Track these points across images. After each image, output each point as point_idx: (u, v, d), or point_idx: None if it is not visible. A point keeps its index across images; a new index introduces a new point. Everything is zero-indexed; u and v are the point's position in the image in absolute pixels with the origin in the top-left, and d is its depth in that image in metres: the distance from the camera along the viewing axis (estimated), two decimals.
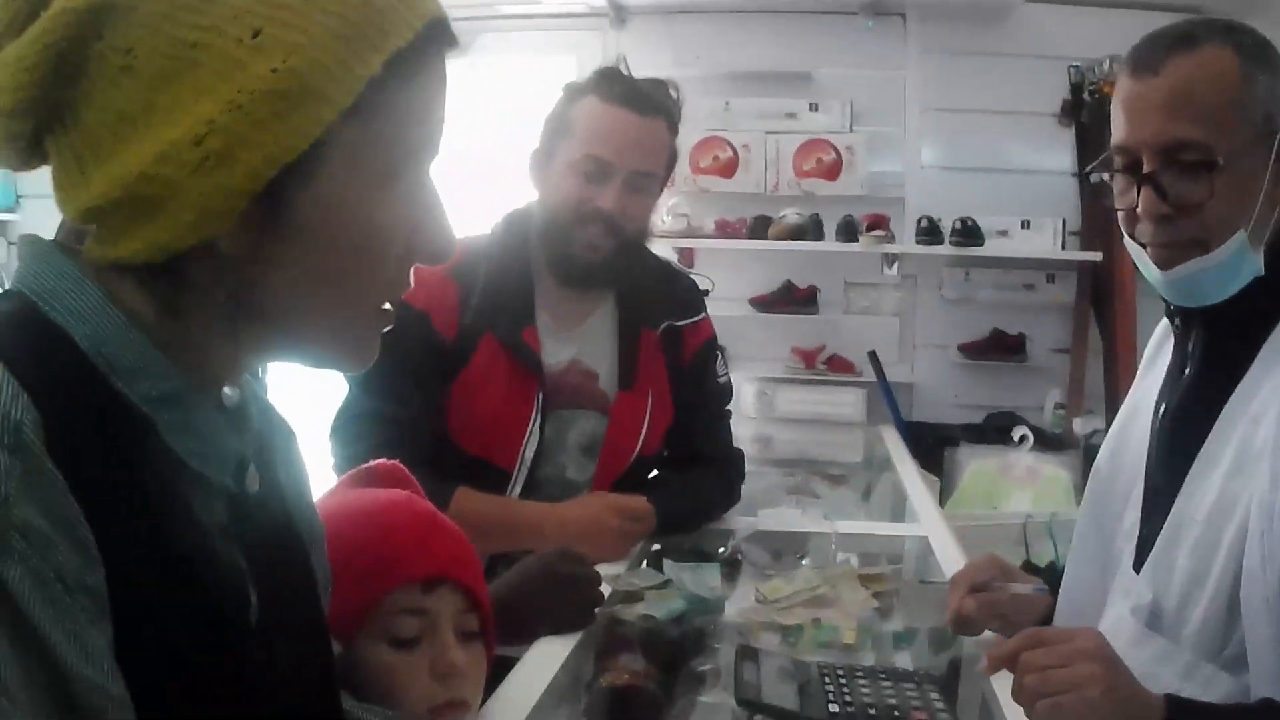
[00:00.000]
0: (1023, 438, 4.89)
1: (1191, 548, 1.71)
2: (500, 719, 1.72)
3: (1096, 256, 5.36)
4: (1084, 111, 5.46)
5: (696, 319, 2.91)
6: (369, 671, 1.52)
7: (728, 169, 5.65)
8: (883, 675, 1.90)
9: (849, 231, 5.43)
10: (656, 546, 2.74)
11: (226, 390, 1.09)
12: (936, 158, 5.72)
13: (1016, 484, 4.90)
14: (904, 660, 2.27)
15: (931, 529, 2.96)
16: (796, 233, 5.44)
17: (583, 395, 2.73)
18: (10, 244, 6.23)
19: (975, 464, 5.03)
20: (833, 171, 5.58)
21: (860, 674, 1.89)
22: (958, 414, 5.65)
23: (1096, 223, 5.37)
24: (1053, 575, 4.04)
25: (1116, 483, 1.99)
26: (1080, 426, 5.31)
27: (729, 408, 3.04)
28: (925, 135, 5.68)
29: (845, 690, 1.82)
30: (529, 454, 2.63)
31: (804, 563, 2.67)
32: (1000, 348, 5.61)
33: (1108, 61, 5.22)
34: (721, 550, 2.69)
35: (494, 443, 2.62)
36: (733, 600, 2.41)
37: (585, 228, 2.60)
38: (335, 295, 1.05)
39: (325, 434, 2.54)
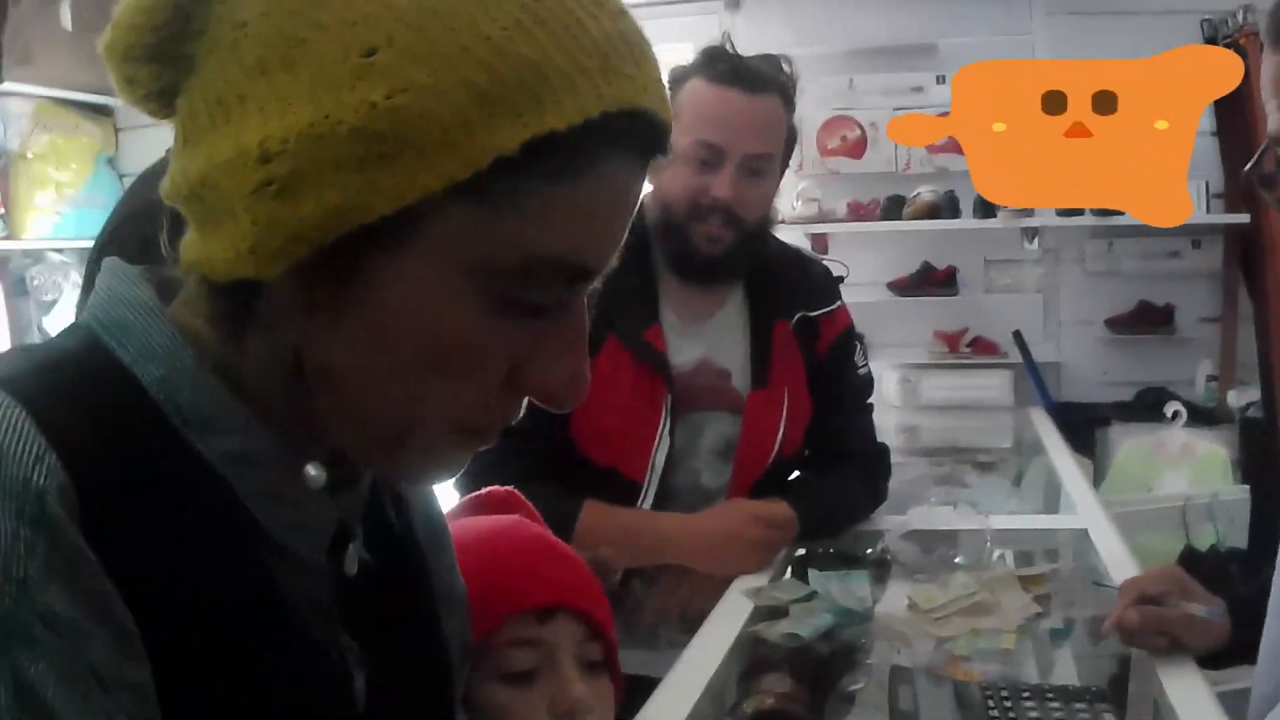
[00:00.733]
0: (1175, 414, 4.72)
1: None
2: None
3: (1244, 219, 5.12)
4: None
5: (832, 308, 2.75)
6: (484, 713, 1.38)
7: (856, 149, 5.52)
8: (1050, 694, 1.78)
9: (986, 207, 5.24)
10: (801, 552, 2.61)
11: (310, 470, 0.91)
12: None
13: (1171, 463, 4.74)
14: (1064, 658, 2.16)
15: (1090, 520, 2.81)
16: (932, 211, 5.28)
17: (714, 396, 2.61)
18: None
19: (1128, 444, 4.88)
20: None
21: (1026, 694, 1.78)
22: (1107, 392, 5.45)
23: (1241, 184, 5.12)
24: (1215, 558, 3.95)
25: None
26: (1234, 399, 5.11)
27: (870, 401, 2.90)
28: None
29: (1011, 714, 1.70)
30: (659, 461, 2.51)
31: (958, 561, 2.54)
32: (1148, 320, 5.40)
33: (1241, 12, 4.97)
34: (869, 551, 2.56)
35: (622, 451, 2.51)
36: (883, 604, 2.30)
37: (702, 221, 2.48)
38: (398, 397, 0.86)
39: None
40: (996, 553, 2.58)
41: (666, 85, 2.23)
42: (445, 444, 0.90)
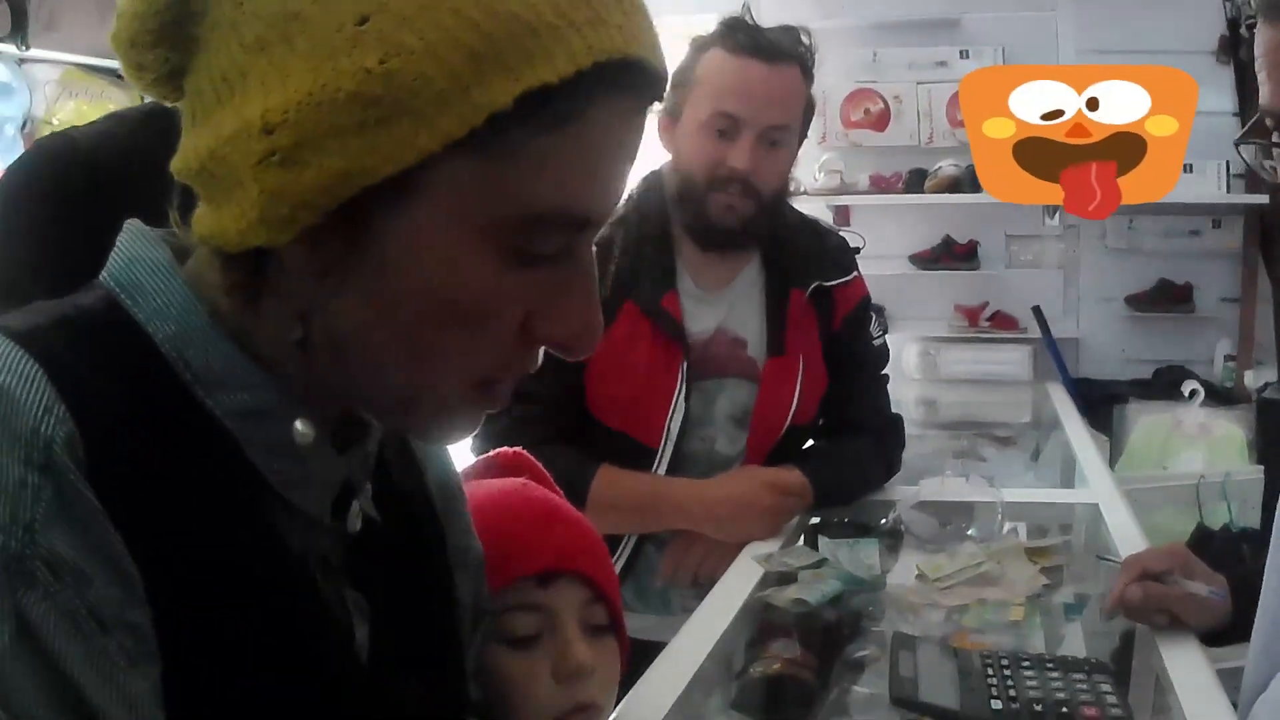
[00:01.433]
0: (1193, 392, 4.71)
1: None
2: (644, 710, 1.61)
3: (1263, 199, 5.11)
4: (1243, 48, 5.18)
5: (847, 279, 2.75)
6: (487, 678, 1.37)
7: (879, 121, 5.51)
8: (1050, 665, 1.77)
9: None
10: (814, 520, 2.63)
11: (299, 426, 0.92)
12: None
13: (1187, 441, 4.75)
14: (1073, 633, 2.17)
15: (1103, 495, 2.81)
16: (954, 185, 5.28)
17: (730, 363, 2.62)
18: None
19: (1145, 421, 4.88)
20: None
21: (1026, 663, 1.77)
22: (1125, 369, 5.46)
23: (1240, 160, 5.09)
24: (1227, 537, 3.95)
25: None
26: (1252, 380, 5.11)
27: (885, 371, 2.91)
28: None
29: (1010, 683, 1.71)
30: (674, 428, 2.53)
31: (970, 533, 2.54)
32: (1167, 298, 5.39)
33: None
34: (882, 522, 2.58)
35: (637, 417, 2.53)
36: (894, 574, 2.31)
37: (720, 191, 2.48)
38: (413, 354, 0.88)
39: None
40: (1008, 526, 2.59)
41: (687, 54, 2.23)
42: (460, 400, 0.92)
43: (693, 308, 2.59)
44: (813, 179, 5.28)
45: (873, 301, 2.86)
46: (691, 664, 1.79)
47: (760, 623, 2.05)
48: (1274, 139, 1.51)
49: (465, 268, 0.84)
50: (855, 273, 2.79)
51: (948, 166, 5.31)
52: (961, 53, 5.48)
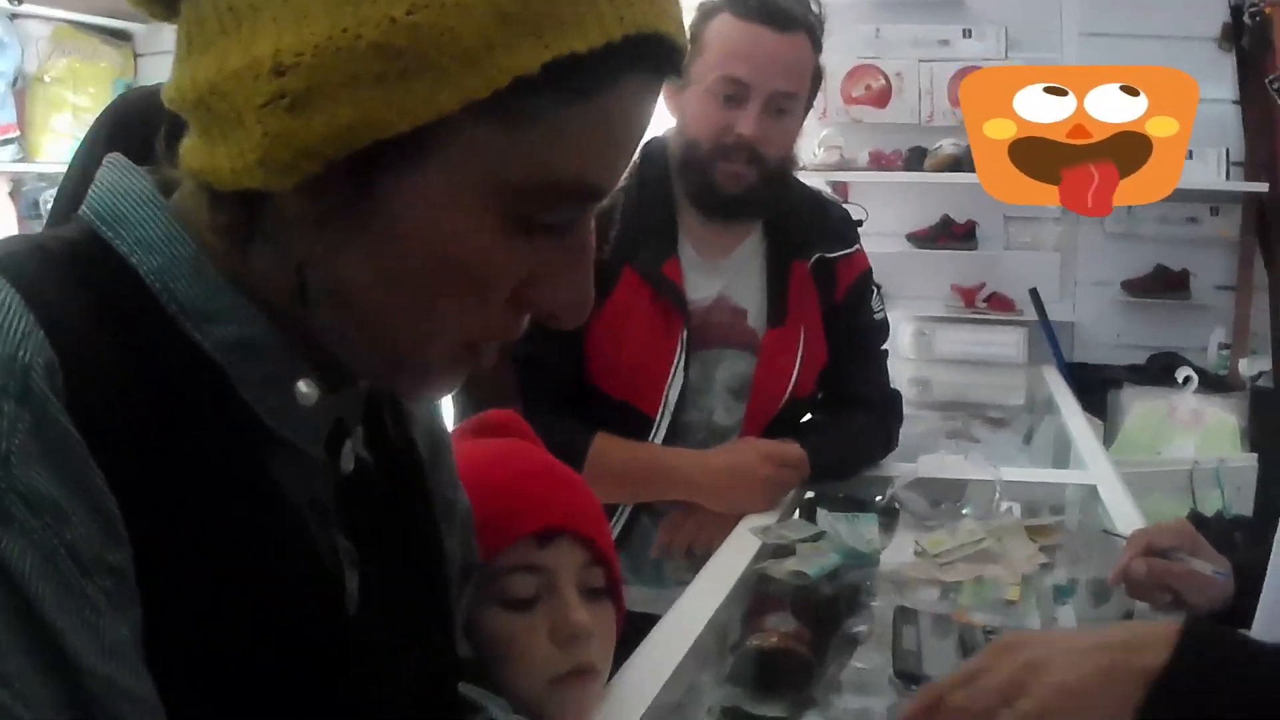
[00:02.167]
0: (1187, 379, 4.72)
1: None
2: (639, 682, 1.57)
3: (1262, 188, 5.10)
4: (1245, 36, 5.17)
5: (849, 251, 2.73)
6: (484, 639, 1.37)
7: (880, 98, 5.49)
8: None
9: None
10: (810, 495, 2.62)
11: (302, 387, 0.90)
12: None
13: (1181, 428, 4.75)
14: (1066, 615, 2.15)
15: (1100, 476, 2.80)
16: (953, 164, 5.25)
17: (730, 333, 2.60)
18: None
19: (1139, 407, 4.87)
20: None
21: None
22: (1120, 354, 5.44)
23: (1261, 152, 5.12)
24: (1220, 524, 3.95)
25: None
26: (1245, 368, 5.10)
27: (885, 347, 2.89)
28: (1082, 61, 5.36)
29: None
30: (673, 397, 2.50)
31: (965, 512, 2.53)
32: (1163, 284, 5.37)
33: None
34: (879, 498, 2.57)
35: (635, 385, 2.50)
36: (890, 551, 2.28)
37: (726, 158, 2.46)
38: (405, 311, 0.86)
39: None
40: (1005, 505, 2.58)
41: (694, 19, 2.20)
42: (444, 360, 0.90)
43: (694, 276, 2.56)
44: (812, 154, 5.26)
45: None
46: (687, 637, 1.76)
47: (756, 595, 2.03)
48: None
49: (468, 231, 0.82)
50: (857, 245, 2.77)
51: (948, 145, 5.28)
52: (964, 31, 5.45)
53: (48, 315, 0.77)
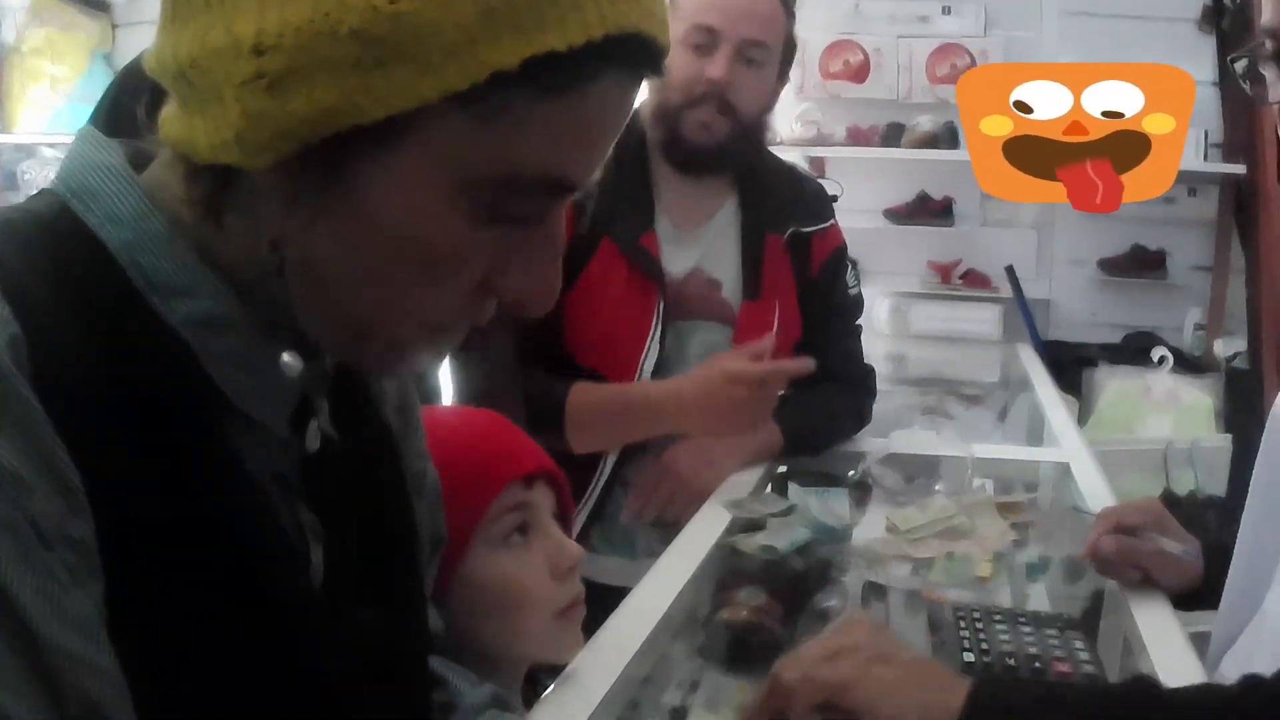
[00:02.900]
0: (1162, 359, 4.73)
1: None
2: (609, 654, 1.57)
3: (1240, 169, 5.09)
4: (1226, 18, 5.17)
5: (825, 225, 2.73)
6: (487, 583, 1.46)
7: (859, 74, 5.47)
8: (1022, 619, 1.77)
9: None
10: (782, 469, 2.61)
11: (286, 358, 0.91)
12: None
13: (1155, 407, 4.76)
14: (1038, 592, 2.16)
15: (1073, 454, 2.80)
16: (931, 141, 5.24)
17: (705, 306, 2.59)
18: None
19: (1114, 386, 4.88)
20: None
21: (998, 617, 1.77)
22: (1095, 333, 5.44)
23: (1240, 134, 5.12)
24: (1192, 504, 3.96)
25: None
26: (1221, 348, 5.10)
27: (859, 322, 2.89)
28: (1062, 40, 5.38)
29: (982, 636, 1.70)
30: (648, 368, 2.49)
31: (938, 488, 2.53)
32: (1140, 264, 5.37)
33: None
34: (851, 474, 2.57)
35: (611, 356, 2.49)
36: (861, 527, 2.29)
37: (696, 107, 2.46)
38: (374, 294, 0.86)
39: None
40: (977, 481, 2.58)
41: None
42: (411, 341, 0.91)
43: (669, 248, 2.56)
44: (789, 129, 5.24)
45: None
46: (657, 610, 1.76)
47: (727, 569, 2.03)
48: (1266, 53, 1.49)
49: (438, 219, 0.82)
50: (832, 220, 2.77)
51: (925, 122, 5.27)
52: (944, 9, 5.43)
53: (13, 289, 0.77)
